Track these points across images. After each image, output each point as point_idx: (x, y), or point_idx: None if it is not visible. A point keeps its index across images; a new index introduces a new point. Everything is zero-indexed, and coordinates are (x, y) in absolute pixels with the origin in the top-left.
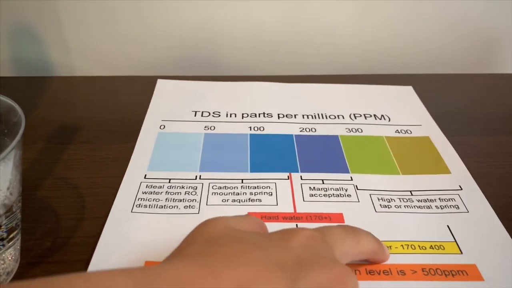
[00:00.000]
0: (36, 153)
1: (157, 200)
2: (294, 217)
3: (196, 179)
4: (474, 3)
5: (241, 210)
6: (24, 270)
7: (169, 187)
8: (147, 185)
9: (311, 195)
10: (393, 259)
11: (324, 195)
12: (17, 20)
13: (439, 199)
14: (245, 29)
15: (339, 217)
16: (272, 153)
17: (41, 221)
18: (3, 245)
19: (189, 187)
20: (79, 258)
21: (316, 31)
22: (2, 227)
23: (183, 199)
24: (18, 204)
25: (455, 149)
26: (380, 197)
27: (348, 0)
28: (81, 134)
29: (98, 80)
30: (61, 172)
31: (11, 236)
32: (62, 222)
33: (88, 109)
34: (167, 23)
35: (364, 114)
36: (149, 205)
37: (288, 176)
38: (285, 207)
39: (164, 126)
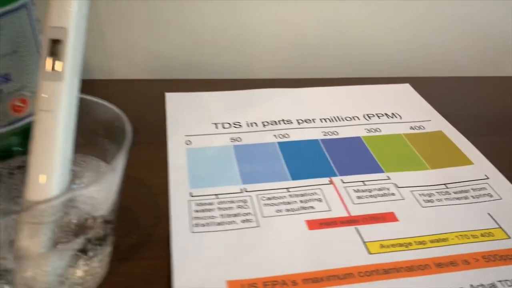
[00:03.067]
0: None
1: (212, 217)
2: (351, 220)
3: (242, 192)
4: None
5: (298, 219)
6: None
7: (219, 203)
8: (196, 203)
9: (359, 197)
10: (454, 250)
11: (370, 196)
12: None
13: (472, 189)
14: (275, 33)
15: (391, 216)
16: (305, 159)
17: (122, 219)
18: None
19: (239, 200)
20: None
21: (345, 34)
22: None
23: (238, 214)
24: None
25: (484, 148)
26: (420, 192)
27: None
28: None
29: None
30: (131, 171)
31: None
32: (141, 220)
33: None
34: (197, 25)
35: (377, 114)
36: (206, 223)
37: (329, 181)
38: (339, 212)
39: (191, 142)
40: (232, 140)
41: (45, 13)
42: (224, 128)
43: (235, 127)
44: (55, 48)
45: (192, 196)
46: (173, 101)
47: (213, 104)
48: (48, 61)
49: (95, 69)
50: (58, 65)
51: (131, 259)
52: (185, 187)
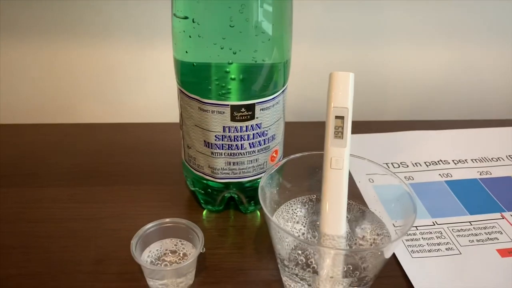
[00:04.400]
0: None
1: (421, 245)
2: None
3: (434, 225)
4: None
5: (490, 248)
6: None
7: (420, 234)
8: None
9: None
10: None
11: None
12: None
13: None
14: (405, 78)
15: None
16: (473, 196)
17: None
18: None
19: (435, 232)
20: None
21: (467, 78)
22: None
23: (440, 243)
24: None
25: None
26: None
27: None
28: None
29: None
30: None
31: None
32: None
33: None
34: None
35: None
36: (420, 250)
37: (501, 216)
38: None
39: (373, 180)
40: (406, 179)
41: (328, 96)
42: (394, 167)
43: (403, 167)
44: (338, 122)
45: (395, 226)
46: None
47: (375, 145)
48: (335, 132)
49: None
50: (342, 135)
51: (379, 277)
52: (388, 218)
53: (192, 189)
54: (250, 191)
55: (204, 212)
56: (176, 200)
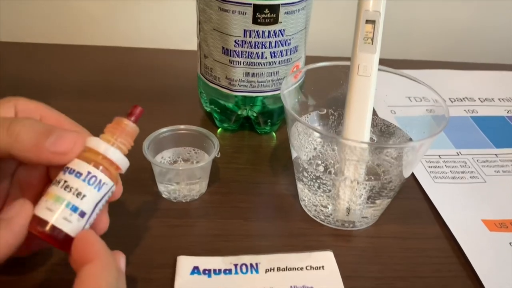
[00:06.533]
0: None
1: (444, 172)
2: None
3: (458, 155)
4: None
5: None
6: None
7: (444, 162)
8: (425, 160)
9: None
10: None
11: None
12: None
13: None
14: (430, 18)
15: None
16: (499, 131)
17: None
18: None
19: (459, 161)
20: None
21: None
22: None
23: (464, 171)
24: None
25: None
26: None
27: None
28: None
29: None
30: None
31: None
32: None
33: None
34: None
35: None
36: (443, 177)
37: None
38: None
39: (395, 112)
40: (428, 111)
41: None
42: (417, 101)
43: (426, 101)
44: (368, 27)
45: None
46: None
47: (399, 82)
48: (364, 38)
49: None
50: (372, 41)
51: (399, 198)
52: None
53: (207, 109)
54: (266, 114)
55: (219, 130)
56: (189, 119)
